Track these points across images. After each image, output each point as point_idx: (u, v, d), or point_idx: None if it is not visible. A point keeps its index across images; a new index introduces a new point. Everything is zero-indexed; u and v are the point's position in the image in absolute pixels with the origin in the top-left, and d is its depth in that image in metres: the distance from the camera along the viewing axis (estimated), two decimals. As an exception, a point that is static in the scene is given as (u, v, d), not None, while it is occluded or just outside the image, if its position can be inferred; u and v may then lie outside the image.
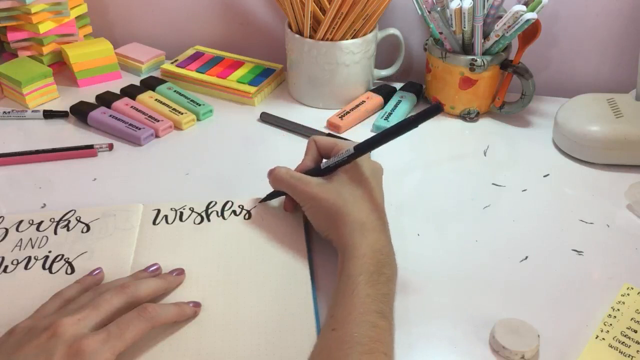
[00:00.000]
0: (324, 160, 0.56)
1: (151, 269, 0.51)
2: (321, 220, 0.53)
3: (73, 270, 0.52)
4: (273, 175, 0.56)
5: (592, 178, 0.65)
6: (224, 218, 0.57)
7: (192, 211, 0.58)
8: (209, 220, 0.57)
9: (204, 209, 0.58)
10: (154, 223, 0.56)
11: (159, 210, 0.58)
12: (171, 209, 0.58)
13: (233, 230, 0.56)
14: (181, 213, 0.58)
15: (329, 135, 0.71)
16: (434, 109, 0.47)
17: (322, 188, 0.52)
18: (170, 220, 0.57)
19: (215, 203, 0.59)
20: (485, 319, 0.47)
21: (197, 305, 0.48)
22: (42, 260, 0.52)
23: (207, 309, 0.48)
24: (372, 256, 0.46)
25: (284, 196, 0.58)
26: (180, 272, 0.51)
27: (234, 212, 0.58)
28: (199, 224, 0.56)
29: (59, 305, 0.45)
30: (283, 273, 0.51)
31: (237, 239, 0.55)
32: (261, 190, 0.60)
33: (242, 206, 0.59)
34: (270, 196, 0.59)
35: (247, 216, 0.57)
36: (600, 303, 0.49)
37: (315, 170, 0.55)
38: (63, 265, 0.52)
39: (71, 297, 0.46)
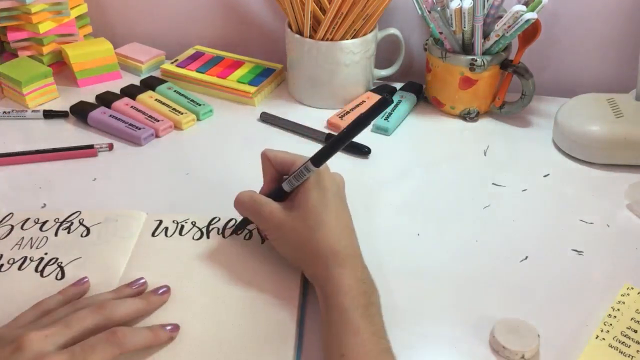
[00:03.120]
0: (284, 178, 0.51)
1: (136, 285, 0.49)
2: (290, 251, 0.49)
3: (63, 276, 0.51)
4: (236, 200, 0.51)
5: (592, 178, 0.65)
6: (223, 236, 0.55)
7: (194, 225, 0.56)
8: (208, 237, 0.55)
9: (206, 224, 0.56)
10: (152, 234, 0.55)
11: (160, 222, 0.57)
12: (173, 221, 0.57)
13: (230, 251, 0.54)
14: (182, 227, 0.56)
15: (328, 135, 0.71)
16: (381, 103, 0.44)
17: (287, 215, 0.48)
18: (169, 233, 0.56)
19: (219, 219, 0.57)
20: (485, 319, 0.47)
21: (174, 329, 0.45)
22: (36, 262, 0.52)
23: (185, 332, 0.46)
24: (357, 288, 0.44)
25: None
26: (165, 290, 0.48)
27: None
28: (197, 239, 0.55)
29: (37, 316, 0.44)
30: (271, 304, 0.48)
31: (232, 261, 0.53)
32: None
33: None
34: (241, 225, 0.55)
35: (247, 236, 0.55)
36: (600, 303, 0.49)
37: (277, 192, 0.51)
38: (54, 270, 0.51)
39: (50, 308, 0.45)
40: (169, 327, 0.45)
